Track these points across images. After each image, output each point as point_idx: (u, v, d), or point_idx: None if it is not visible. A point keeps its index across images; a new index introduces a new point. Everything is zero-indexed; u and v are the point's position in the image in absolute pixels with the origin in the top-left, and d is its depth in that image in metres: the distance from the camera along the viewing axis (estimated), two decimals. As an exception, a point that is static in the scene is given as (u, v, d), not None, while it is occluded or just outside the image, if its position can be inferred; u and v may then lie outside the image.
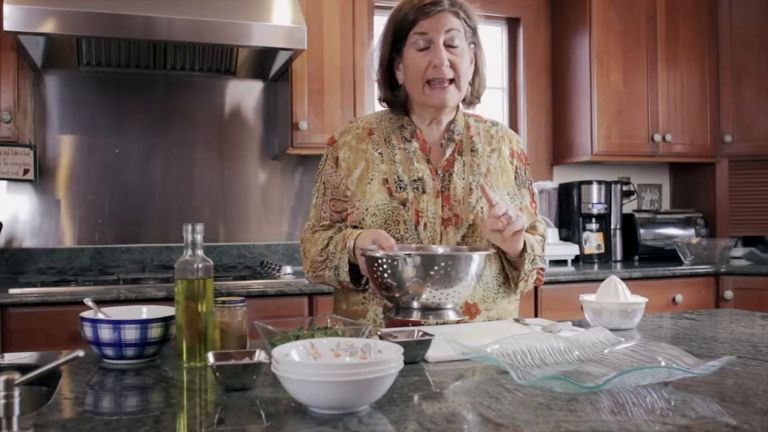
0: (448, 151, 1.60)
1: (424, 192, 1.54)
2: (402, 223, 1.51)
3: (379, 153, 1.58)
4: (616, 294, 1.53)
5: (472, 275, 1.34)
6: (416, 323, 1.51)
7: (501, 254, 1.57)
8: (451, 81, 1.52)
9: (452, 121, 1.63)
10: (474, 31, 1.57)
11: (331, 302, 2.60)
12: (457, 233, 1.53)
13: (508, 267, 1.58)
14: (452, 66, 1.51)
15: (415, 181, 1.54)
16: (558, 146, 3.69)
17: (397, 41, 1.56)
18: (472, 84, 1.60)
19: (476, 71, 1.60)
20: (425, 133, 1.61)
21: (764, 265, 3.30)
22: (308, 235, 1.64)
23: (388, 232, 1.50)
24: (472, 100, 1.63)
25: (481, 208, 1.54)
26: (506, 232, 1.40)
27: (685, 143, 3.61)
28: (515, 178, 1.65)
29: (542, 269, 1.63)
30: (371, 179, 1.56)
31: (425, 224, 1.52)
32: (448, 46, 1.51)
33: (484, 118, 1.72)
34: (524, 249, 1.51)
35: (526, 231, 1.60)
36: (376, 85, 1.67)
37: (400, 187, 1.53)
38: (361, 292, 1.55)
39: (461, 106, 1.65)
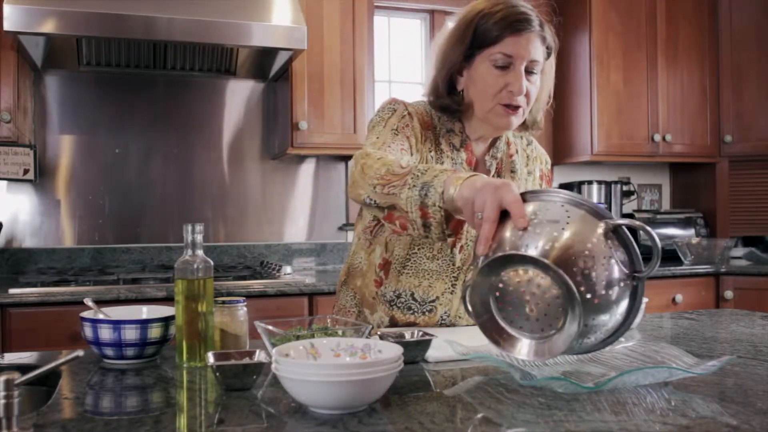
0: (491, 171, 1.53)
1: None
2: (437, 244, 1.46)
3: (431, 155, 1.48)
4: (616, 294, 1.53)
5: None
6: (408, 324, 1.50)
7: None
8: (520, 108, 1.44)
9: (497, 137, 1.56)
10: (548, 57, 1.48)
11: (331, 302, 2.61)
12: None
13: None
14: (528, 93, 1.43)
15: None
16: (558, 146, 3.69)
17: (472, 48, 1.43)
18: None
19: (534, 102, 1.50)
20: (475, 148, 1.53)
21: (764, 265, 3.30)
22: (373, 151, 1.35)
23: (419, 249, 1.46)
24: (531, 125, 1.55)
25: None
26: None
27: (685, 143, 3.61)
28: None
29: None
30: None
31: (461, 247, 1.47)
32: (528, 72, 1.42)
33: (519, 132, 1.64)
34: None
35: None
36: (429, 85, 1.52)
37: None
38: (443, 233, 1.17)
39: None
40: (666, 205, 4.02)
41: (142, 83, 3.11)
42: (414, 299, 1.49)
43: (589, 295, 0.91)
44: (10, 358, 1.28)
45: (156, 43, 2.66)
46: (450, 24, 1.52)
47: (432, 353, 1.20)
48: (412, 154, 1.44)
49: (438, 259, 1.48)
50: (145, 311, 1.33)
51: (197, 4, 2.57)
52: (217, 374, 1.01)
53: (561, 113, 3.64)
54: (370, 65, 3.06)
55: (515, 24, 1.39)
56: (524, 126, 1.56)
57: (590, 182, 3.55)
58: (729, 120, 3.67)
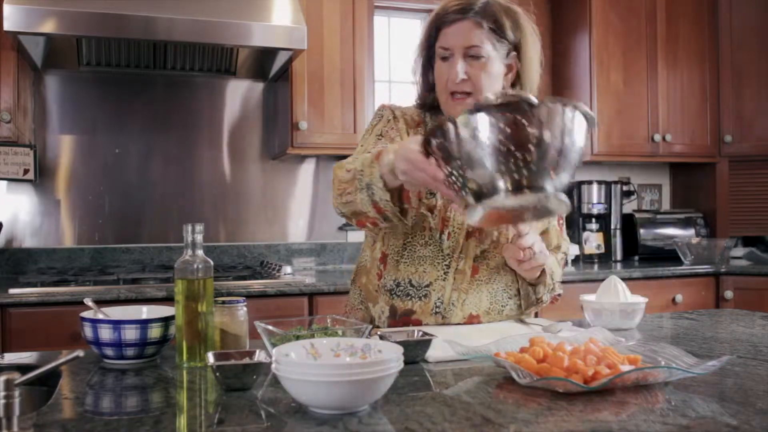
0: None
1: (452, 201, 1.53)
2: (428, 230, 1.51)
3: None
4: (616, 294, 1.53)
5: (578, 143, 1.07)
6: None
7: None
8: (471, 94, 1.49)
9: None
10: (512, 38, 1.50)
11: (331, 302, 2.61)
12: (478, 246, 1.53)
13: (522, 283, 1.58)
14: (472, 79, 1.48)
15: None
16: (558, 146, 3.68)
17: (429, 48, 1.54)
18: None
19: (516, 82, 1.53)
20: None
21: (764, 265, 3.30)
22: (348, 160, 1.48)
23: (413, 237, 1.52)
24: None
25: (507, 226, 1.52)
26: (525, 265, 1.44)
27: (685, 143, 3.61)
28: None
29: (558, 295, 1.64)
30: None
31: (449, 233, 1.51)
32: (471, 56, 1.47)
33: None
34: (542, 275, 1.54)
35: (550, 251, 1.62)
36: (415, 88, 1.63)
37: (430, 192, 1.51)
38: (401, 219, 1.35)
39: None
40: (666, 205, 4.02)
41: (142, 83, 3.11)
42: (411, 285, 1.53)
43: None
44: (10, 358, 1.28)
45: (156, 43, 2.66)
46: None
47: (432, 353, 1.20)
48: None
49: (430, 245, 1.52)
50: (145, 311, 1.33)
51: (197, 4, 2.56)
52: (217, 374, 1.01)
53: (561, 113, 3.63)
54: (370, 65, 3.05)
55: (446, 17, 1.49)
56: None
57: (590, 182, 3.54)
58: (729, 120, 3.66)
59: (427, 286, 1.52)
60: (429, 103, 1.58)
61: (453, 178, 1.08)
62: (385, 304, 1.55)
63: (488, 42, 1.48)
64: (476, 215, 1.08)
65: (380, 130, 1.56)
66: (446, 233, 1.51)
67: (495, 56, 1.49)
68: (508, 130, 1.01)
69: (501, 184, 1.03)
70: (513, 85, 1.54)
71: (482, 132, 1.03)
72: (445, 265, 1.52)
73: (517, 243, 1.42)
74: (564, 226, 1.71)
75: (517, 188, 1.03)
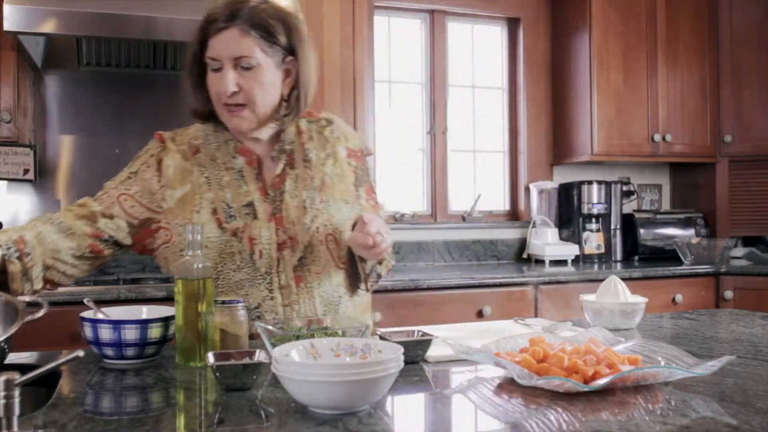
0: (280, 166, 1.49)
1: (255, 218, 1.45)
2: (237, 254, 1.43)
3: (206, 177, 1.47)
4: (616, 294, 1.53)
5: None
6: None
7: (350, 258, 1.51)
8: (245, 105, 1.42)
9: (281, 130, 1.51)
10: (286, 42, 1.43)
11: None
12: (294, 256, 1.45)
13: (362, 265, 1.51)
14: (244, 90, 1.40)
15: (245, 206, 1.45)
16: (558, 146, 3.69)
17: (201, 58, 1.44)
18: (288, 99, 1.47)
19: (295, 86, 1.47)
20: (252, 146, 1.50)
21: (764, 265, 3.30)
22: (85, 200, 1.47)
23: (224, 266, 1.43)
24: (287, 113, 1.48)
25: (317, 228, 1.46)
26: (375, 250, 1.35)
27: (685, 143, 3.61)
28: (355, 179, 1.57)
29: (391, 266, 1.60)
30: (199, 209, 1.44)
31: (261, 252, 1.43)
32: (243, 67, 1.39)
33: (317, 115, 1.59)
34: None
35: None
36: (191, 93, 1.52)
37: (230, 216, 1.44)
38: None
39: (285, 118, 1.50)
40: (666, 205, 4.02)
41: (142, 83, 3.11)
42: None
43: None
44: (10, 358, 1.29)
45: (156, 43, 2.66)
46: None
47: (432, 353, 1.20)
48: (166, 185, 1.46)
49: (243, 269, 1.43)
50: (145, 311, 1.33)
51: (197, 4, 2.56)
52: (217, 374, 1.01)
53: (561, 113, 3.64)
54: (370, 65, 3.05)
55: (212, 25, 1.40)
56: (285, 116, 1.50)
57: (590, 182, 3.54)
58: (729, 120, 3.67)
59: (257, 308, 1.44)
60: (207, 115, 1.50)
61: None
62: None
63: (258, 49, 1.40)
64: None
65: (138, 166, 1.49)
66: (257, 252, 1.43)
67: (268, 63, 1.42)
68: None
69: None
70: (293, 90, 1.47)
71: None
72: (267, 283, 1.44)
73: (365, 230, 1.33)
74: (376, 198, 1.63)
75: None
